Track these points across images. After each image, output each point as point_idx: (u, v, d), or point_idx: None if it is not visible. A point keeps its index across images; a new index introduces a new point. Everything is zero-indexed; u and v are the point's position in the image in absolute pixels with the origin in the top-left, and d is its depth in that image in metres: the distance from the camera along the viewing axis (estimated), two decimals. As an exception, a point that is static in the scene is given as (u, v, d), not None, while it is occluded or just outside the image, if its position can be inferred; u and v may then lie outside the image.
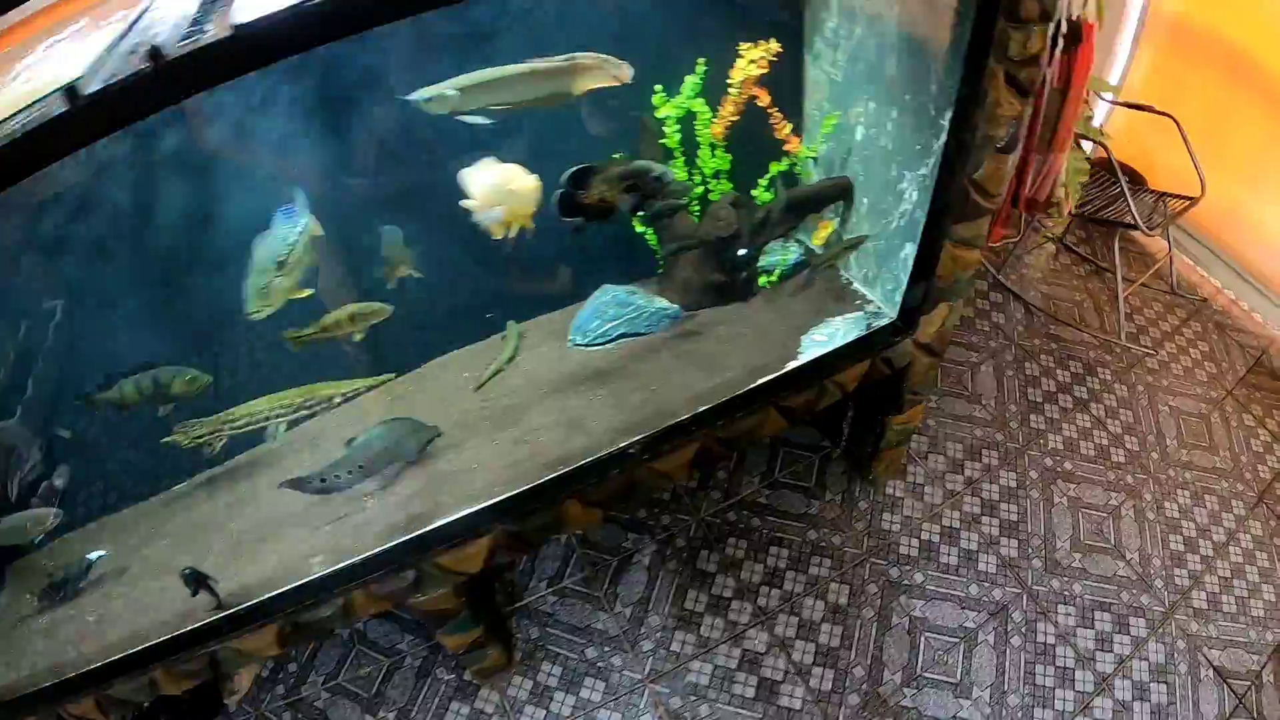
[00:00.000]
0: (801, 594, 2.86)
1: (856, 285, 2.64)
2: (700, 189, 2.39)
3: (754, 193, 2.52)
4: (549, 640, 2.80)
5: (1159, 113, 3.15)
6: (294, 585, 1.82)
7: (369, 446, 1.95)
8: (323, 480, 1.91)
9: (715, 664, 2.67)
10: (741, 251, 2.43)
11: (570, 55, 1.75)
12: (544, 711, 2.62)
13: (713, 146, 2.35)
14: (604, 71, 1.81)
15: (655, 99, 2.25)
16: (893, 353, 2.44)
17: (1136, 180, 3.46)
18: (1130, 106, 3.36)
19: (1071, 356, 3.56)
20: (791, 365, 2.33)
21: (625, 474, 2.19)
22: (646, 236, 2.56)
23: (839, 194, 2.55)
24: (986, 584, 2.85)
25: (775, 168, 2.51)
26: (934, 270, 2.25)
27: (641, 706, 2.62)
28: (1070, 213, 3.34)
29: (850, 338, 2.40)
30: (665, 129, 2.31)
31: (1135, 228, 3.19)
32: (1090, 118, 3.29)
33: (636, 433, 2.16)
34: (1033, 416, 3.33)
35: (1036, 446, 3.25)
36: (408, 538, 1.90)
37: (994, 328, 3.70)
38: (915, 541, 2.96)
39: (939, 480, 3.14)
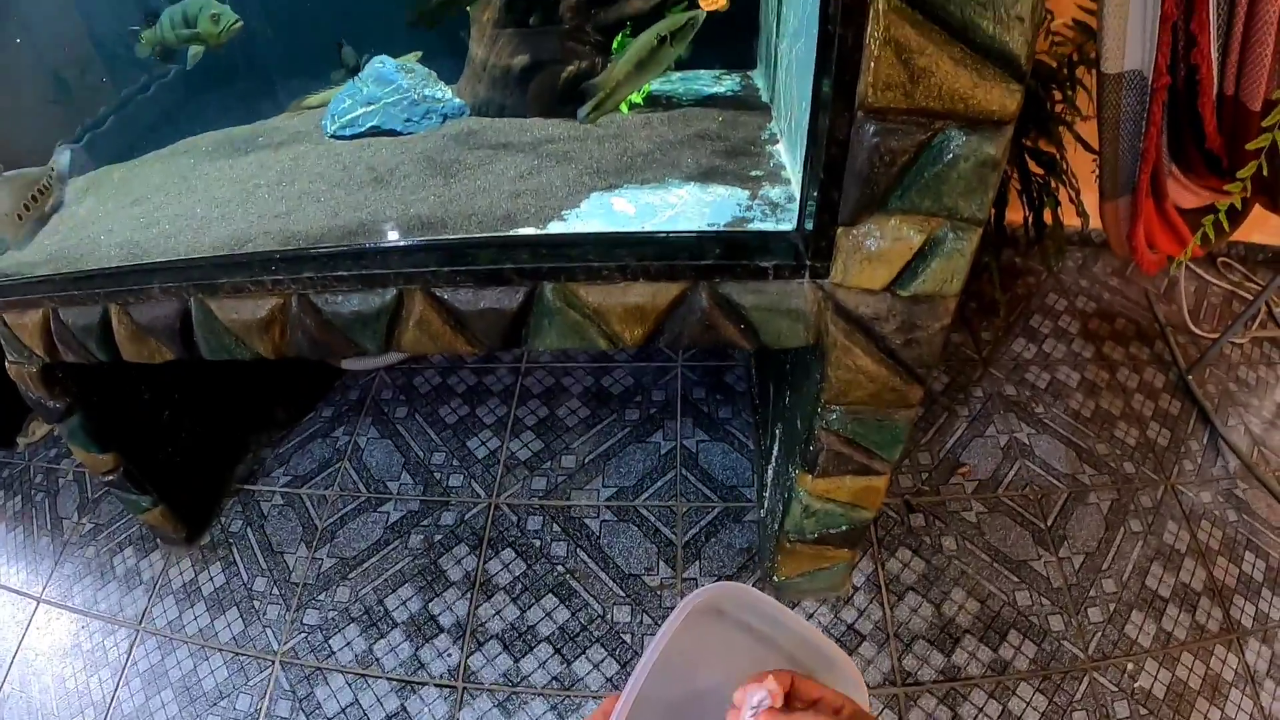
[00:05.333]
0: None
1: (779, 149, 1.13)
2: None
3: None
4: (239, 544, 1.76)
5: None
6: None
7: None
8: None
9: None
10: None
11: None
12: (176, 613, 1.67)
13: None
14: None
15: None
16: (758, 300, 1.00)
17: None
18: None
19: (1258, 543, 1.63)
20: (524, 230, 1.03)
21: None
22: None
23: None
24: None
25: None
26: (853, 77, 0.83)
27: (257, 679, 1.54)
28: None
29: (675, 224, 0.93)
30: None
31: None
32: None
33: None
34: (1137, 617, 1.47)
35: (1118, 673, 1.43)
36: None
37: (1141, 445, 1.80)
38: None
39: (903, 646, 1.50)
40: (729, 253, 0.96)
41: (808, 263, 0.96)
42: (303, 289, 1.08)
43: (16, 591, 1.76)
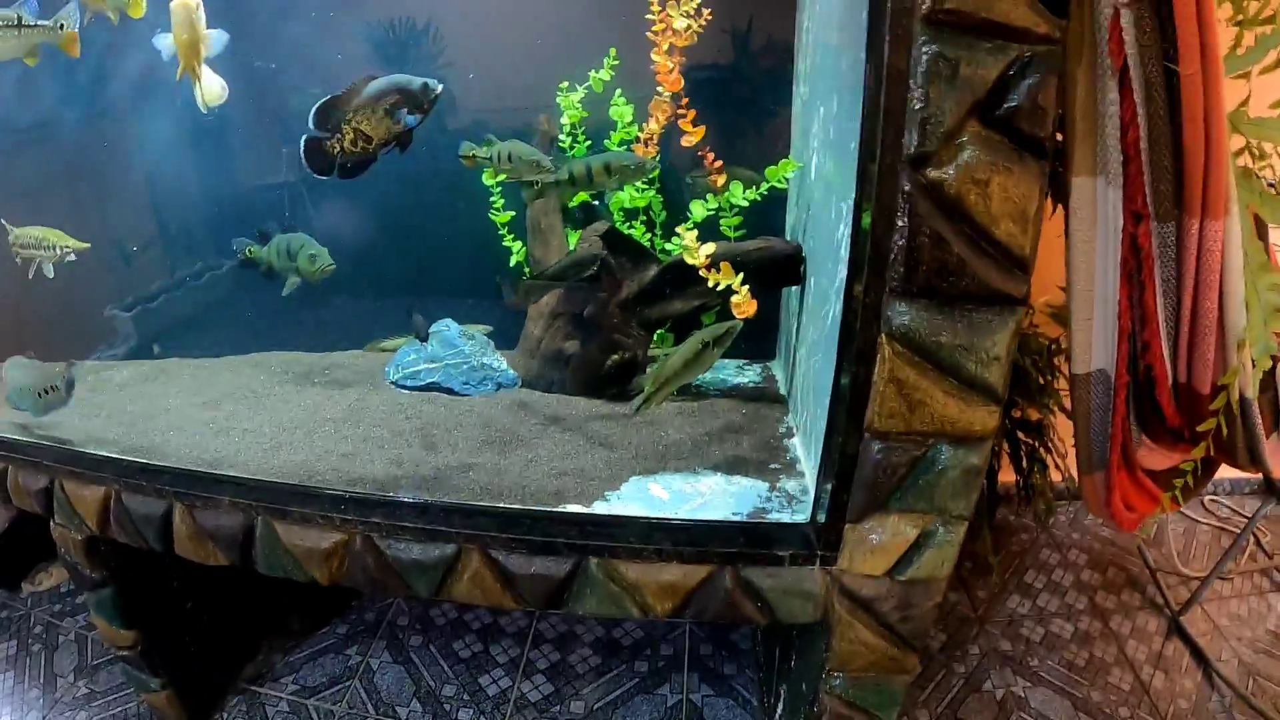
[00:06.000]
0: None
1: (795, 443, 1.32)
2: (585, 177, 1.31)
3: (643, 237, 1.38)
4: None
5: None
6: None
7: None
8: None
9: None
10: (610, 311, 1.36)
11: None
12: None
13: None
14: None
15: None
16: (775, 583, 1.15)
17: None
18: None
19: None
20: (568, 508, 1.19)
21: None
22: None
23: (776, 266, 1.30)
24: None
25: (696, 211, 1.36)
26: (862, 406, 1.02)
27: None
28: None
29: (702, 514, 1.10)
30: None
31: None
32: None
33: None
34: None
35: None
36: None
37: (1136, 689, 1.87)
38: None
39: None
40: (752, 542, 1.12)
41: (819, 552, 1.11)
42: (368, 530, 1.22)
43: (-3, 737, 1.76)
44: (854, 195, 0.95)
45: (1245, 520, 2.35)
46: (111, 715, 1.83)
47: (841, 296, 1.02)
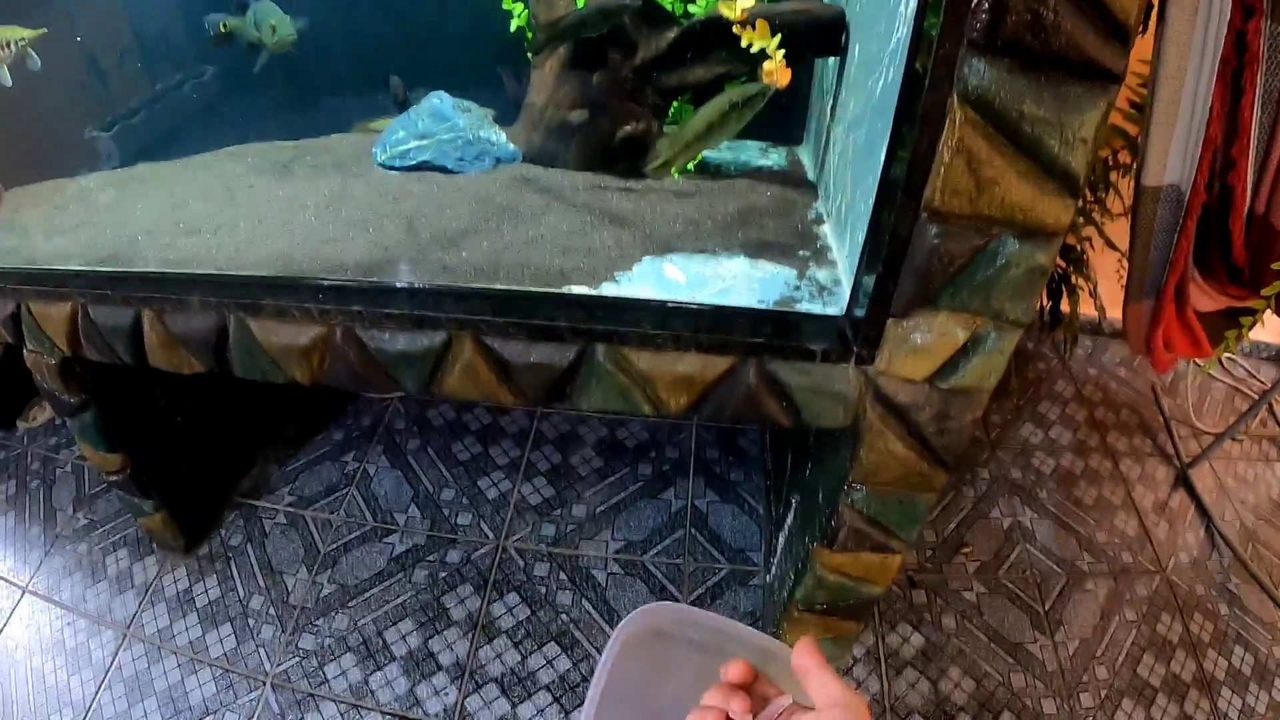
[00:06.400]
0: None
1: (826, 230, 1.17)
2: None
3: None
4: (238, 559, 1.75)
5: None
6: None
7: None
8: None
9: None
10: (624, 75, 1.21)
11: None
12: (167, 621, 1.65)
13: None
14: None
15: None
16: (803, 381, 1.02)
17: None
18: None
19: (1248, 638, 1.67)
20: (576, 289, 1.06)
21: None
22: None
23: (816, 32, 1.12)
24: None
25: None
26: (922, 181, 0.86)
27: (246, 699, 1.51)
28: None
29: (724, 299, 0.96)
30: None
31: None
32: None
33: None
34: (1128, 704, 1.51)
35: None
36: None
37: (1140, 535, 1.86)
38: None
39: None
40: (781, 332, 1.00)
41: (855, 349, 0.99)
42: (349, 321, 1.10)
43: (2, 579, 1.75)
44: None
45: (1260, 383, 2.29)
46: (110, 542, 1.80)
47: (901, 56, 0.84)
